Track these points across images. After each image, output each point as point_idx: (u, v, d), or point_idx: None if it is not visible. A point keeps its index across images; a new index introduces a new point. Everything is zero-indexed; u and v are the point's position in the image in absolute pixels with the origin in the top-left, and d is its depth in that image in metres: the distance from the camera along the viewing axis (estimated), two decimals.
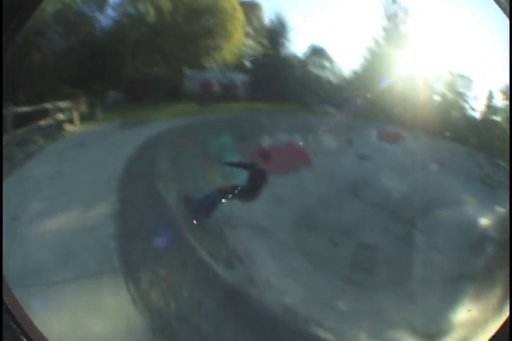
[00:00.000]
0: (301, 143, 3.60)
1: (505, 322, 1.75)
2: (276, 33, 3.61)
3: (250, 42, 3.65)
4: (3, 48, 1.75)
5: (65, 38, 3.27)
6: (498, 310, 3.09)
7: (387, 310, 3.04)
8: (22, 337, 1.70)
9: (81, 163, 3.22)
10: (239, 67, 3.71)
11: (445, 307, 3.17)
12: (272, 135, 3.54)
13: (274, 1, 3.55)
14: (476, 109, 3.59)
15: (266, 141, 3.54)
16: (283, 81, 3.62)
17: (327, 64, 3.73)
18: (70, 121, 3.04)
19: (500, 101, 3.35)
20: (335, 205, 3.47)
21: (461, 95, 3.62)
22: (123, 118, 3.28)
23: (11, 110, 2.74)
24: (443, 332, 2.98)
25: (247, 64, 3.68)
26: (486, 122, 3.61)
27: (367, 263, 3.26)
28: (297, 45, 3.65)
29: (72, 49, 3.28)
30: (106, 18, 3.32)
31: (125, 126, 3.28)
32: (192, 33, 3.54)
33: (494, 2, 1.92)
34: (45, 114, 3.01)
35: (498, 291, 3.26)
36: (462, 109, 3.69)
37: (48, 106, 2.95)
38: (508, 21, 1.89)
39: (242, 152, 3.39)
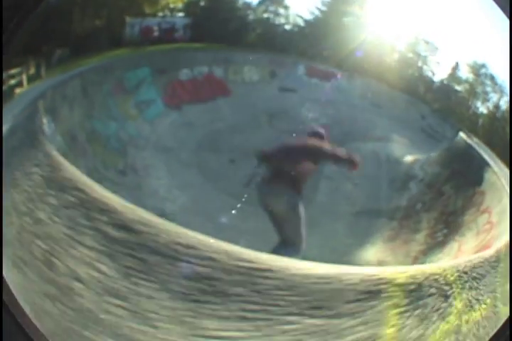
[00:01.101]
0: (221, 74, 3.78)
1: (505, 322, 1.76)
2: None
3: None
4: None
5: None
6: (414, 260, 3.02)
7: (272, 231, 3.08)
8: (22, 337, 1.71)
9: None
10: (181, 11, 3.95)
11: (347, 243, 3.15)
12: (192, 68, 3.76)
13: None
14: (437, 73, 3.65)
15: (184, 74, 3.76)
16: (223, 23, 3.82)
17: (281, 10, 3.88)
18: (20, 84, 3.39)
19: (466, 74, 3.47)
20: (244, 131, 3.59)
21: (421, 57, 3.63)
22: (63, 72, 3.61)
23: None
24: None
25: (189, 8, 3.91)
26: (444, 87, 3.63)
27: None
28: None
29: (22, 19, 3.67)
30: None
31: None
32: None
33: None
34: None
35: (419, 239, 3.15)
36: (420, 69, 3.69)
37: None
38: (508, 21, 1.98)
39: (158, 84, 3.65)
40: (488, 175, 3.14)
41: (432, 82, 3.65)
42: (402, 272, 2.33)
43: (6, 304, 1.72)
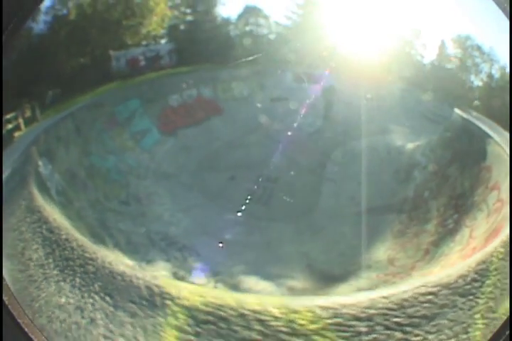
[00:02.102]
0: (210, 94, 3.85)
1: (505, 322, 1.74)
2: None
3: (175, 13, 4.03)
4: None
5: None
6: (425, 253, 2.91)
7: (281, 243, 3.04)
8: (22, 337, 1.72)
9: None
10: (164, 37, 4.07)
11: (355, 244, 3.07)
12: (180, 93, 3.84)
13: None
14: (425, 55, 3.67)
15: (174, 99, 3.84)
16: (206, 43, 3.92)
17: (262, 21, 3.97)
18: (18, 128, 3.49)
19: (453, 50, 3.46)
20: (242, 146, 3.61)
21: (408, 43, 3.65)
22: (58, 112, 3.72)
23: None
24: (349, 273, 2.88)
25: (171, 33, 4.04)
26: (436, 68, 3.60)
27: (265, 195, 3.31)
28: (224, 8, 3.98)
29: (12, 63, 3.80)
30: (39, 24, 3.94)
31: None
32: (114, 18, 4.00)
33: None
34: None
35: (430, 229, 3.03)
36: (409, 55, 3.69)
37: None
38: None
39: (150, 113, 3.75)
40: (491, 148, 3.00)
41: (423, 65, 3.65)
42: None
43: (5, 304, 1.71)
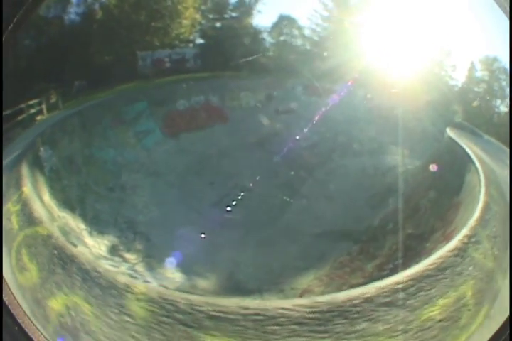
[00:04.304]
0: (218, 102, 4.09)
1: (505, 322, 1.79)
2: (228, 6, 4.26)
3: (203, 17, 4.15)
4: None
5: (36, 40, 3.79)
6: None
7: (223, 248, 3.17)
8: (22, 337, 1.74)
9: None
10: (192, 41, 4.17)
11: (291, 266, 3.10)
12: (189, 98, 4.13)
13: None
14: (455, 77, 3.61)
15: (181, 104, 4.14)
16: (230, 51, 4.10)
17: (295, 31, 4.15)
18: (41, 113, 3.64)
19: (481, 72, 3.41)
20: (232, 156, 3.79)
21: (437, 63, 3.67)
22: (80, 104, 3.86)
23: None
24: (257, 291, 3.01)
25: (199, 38, 4.20)
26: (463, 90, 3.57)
27: (233, 203, 3.46)
28: (256, 16, 4.14)
29: (43, 48, 3.81)
30: (71, 15, 3.89)
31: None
32: (141, 20, 4.31)
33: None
34: (21, 111, 3.47)
35: (367, 269, 2.97)
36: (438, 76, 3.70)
37: (23, 106, 3.46)
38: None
39: (156, 115, 4.07)
40: (469, 178, 2.84)
41: (451, 86, 3.56)
42: None
43: (6, 304, 1.76)
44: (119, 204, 3.55)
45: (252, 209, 3.37)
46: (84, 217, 3.27)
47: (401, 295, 2.16)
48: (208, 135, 3.98)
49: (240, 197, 3.36)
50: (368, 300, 2.05)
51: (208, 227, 3.20)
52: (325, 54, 3.76)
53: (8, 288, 1.86)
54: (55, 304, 2.29)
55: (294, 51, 4.05)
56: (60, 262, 2.47)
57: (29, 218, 2.76)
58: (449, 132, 3.32)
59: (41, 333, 1.83)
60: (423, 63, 3.39)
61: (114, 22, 4.27)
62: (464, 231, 2.46)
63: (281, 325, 1.99)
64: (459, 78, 3.50)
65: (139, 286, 2.27)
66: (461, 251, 2.39)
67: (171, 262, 2.99)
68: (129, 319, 2.16)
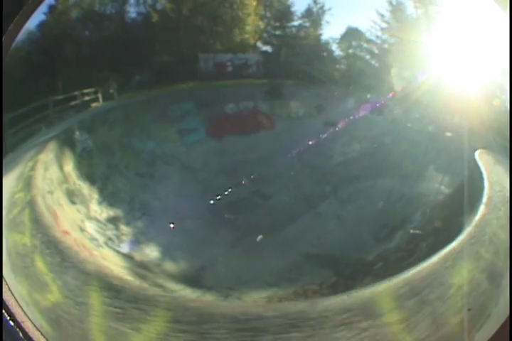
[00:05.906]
0: (266, 109, 4.03)
1: (505, 322, 1.85)
2: (294, 15, 4.27)
3: (267, 24, 4.24)
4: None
5: (97, 31, 3.93)
6: None
7: (209, 245, 3.10)
8: (22, 337, 1.79)
9: None
10: (255, 47, 4.11)
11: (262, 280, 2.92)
12: (238, 103, 4.14)
13: None
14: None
15: (230, 108, 4.15)
16: (295, 60, 4.10)
17: (363, 44, 4.08)
18: (96, 100, 3.73)
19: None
20: (268, 162, 3.71)
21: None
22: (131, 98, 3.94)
23: (50, 98, 3.57)
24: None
25: (263, 45, 4.30)
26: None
27: (247, 208, 3.38)
28: (325, 27, 3.95)
29: (104, 40, 3.91)
30: (129, 13, 3.87)
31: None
32: (200, 24, 4.41)
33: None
34: (74, 98, 3.68)
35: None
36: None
37: (77, 93, 3.65)
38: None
39: (201, 116, 4.12)
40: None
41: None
42: None
43: (6, 304, 1.84)
44: (142, 189, 3.62)
45: (260, 215, 3.22)
46: (101, 190, 3.41)
47: None
48: (252, 140, 3.94)
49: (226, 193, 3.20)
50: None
51: (209, 223, 3.21)
52: (383, 68, 3.58)
53: (8, 288, 1.96)
54: None
55: (360, 64, 3.90)
56: None
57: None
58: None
59: (41, 333, 1.90)
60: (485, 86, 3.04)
61: (172, 24, 4.43)
62: None
63: None
64: None
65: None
66: None
67: (151, 249, 2.99)
68: None
